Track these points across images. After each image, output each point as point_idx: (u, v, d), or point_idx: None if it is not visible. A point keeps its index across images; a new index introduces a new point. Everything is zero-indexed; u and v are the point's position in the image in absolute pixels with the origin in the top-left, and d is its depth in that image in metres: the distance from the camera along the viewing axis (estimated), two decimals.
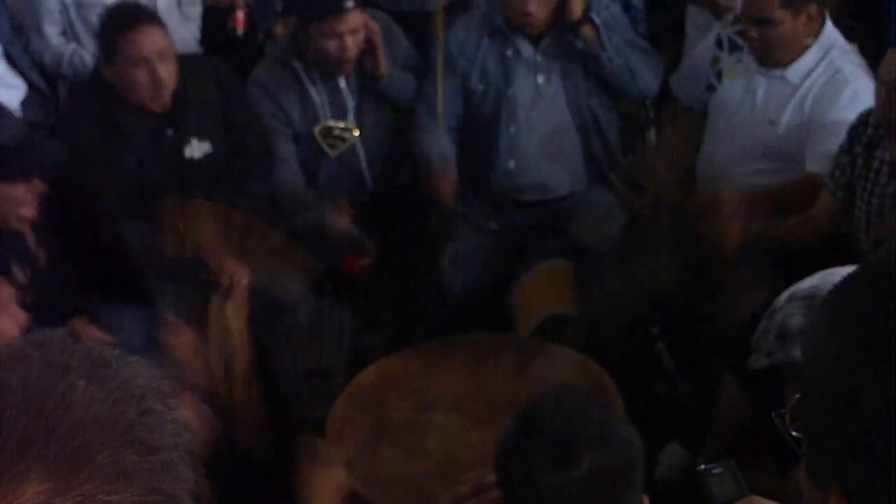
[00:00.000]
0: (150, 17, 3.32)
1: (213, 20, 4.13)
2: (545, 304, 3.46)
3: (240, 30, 4.25)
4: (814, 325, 0.95)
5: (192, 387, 2.73)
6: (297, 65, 3.65)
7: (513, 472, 1.85)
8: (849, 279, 0.94)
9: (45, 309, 2.88)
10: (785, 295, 2.64)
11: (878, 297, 0.89)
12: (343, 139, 3.72)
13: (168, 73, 3.25)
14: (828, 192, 3.24)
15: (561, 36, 3.62)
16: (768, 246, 3.22)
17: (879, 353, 0.85)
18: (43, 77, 3.89)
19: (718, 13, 3.91)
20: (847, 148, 3.17)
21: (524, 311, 3.48)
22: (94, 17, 3.82)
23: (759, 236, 3.25)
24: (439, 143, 3.71)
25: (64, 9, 3.85)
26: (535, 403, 1.87)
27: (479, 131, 3.76)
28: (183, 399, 2.48)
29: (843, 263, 2.50)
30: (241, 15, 4.24)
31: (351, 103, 3.70)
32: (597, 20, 3.56)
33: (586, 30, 3.56)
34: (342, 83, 3.68)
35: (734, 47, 3.59)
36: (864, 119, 3.15)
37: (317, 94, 3.66)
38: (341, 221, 3.58)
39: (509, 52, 3.68)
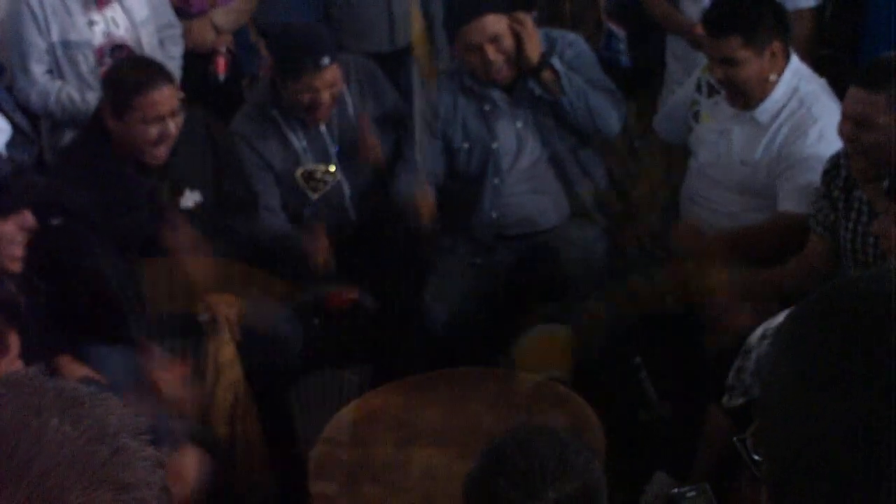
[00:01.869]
0: (165, 74, 3.33)
1: (194, 65, 4.13)
2: (543, 366, 3.45)
3: (221, 75, 4.25)
4: (770, 352, 0.97)
5: (190, 435, 2.71)
6: (275, 113, 3.67)
7: None
8: (803, 306, 0.95)
9: (25, 354, 2.86)
10: (757, 333, 2.66)
11: (830, 324, 0.90)
12: (324, 182, 3.74)
13: (177, 127, 3.28)
14: (814, 237, 3.26)
15: (526, 81, 3.65)
16: (766, 295, 3.22)
17: (831, 379, 0.86)
18: (27, 118, 3.89)
19: (697, 44, 3.94)
20: (825, 192, 3.19)
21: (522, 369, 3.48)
22: (80, 58, 3.84)
23: (755, 287, 3.26)
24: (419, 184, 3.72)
25: (50, 48, 3.85)
26: (500, 442, 2.02)
27: (464, 185, 3.78)
28: (184, 450, 2.48)
29: None
30: (221, 60, 4.24)
31: (333, 148, 3.72)
32: (557, 65, 3.58)
33: (546, 75, 3.58)
34: (323, 128, 3.70)
35: (712, 91, 3.61)
36: (835, 162, 3.17)
37: (297, 141, 3.69)
38: (319, 250, 3.58)
39: (487, 107, 3.70)
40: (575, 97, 3.59)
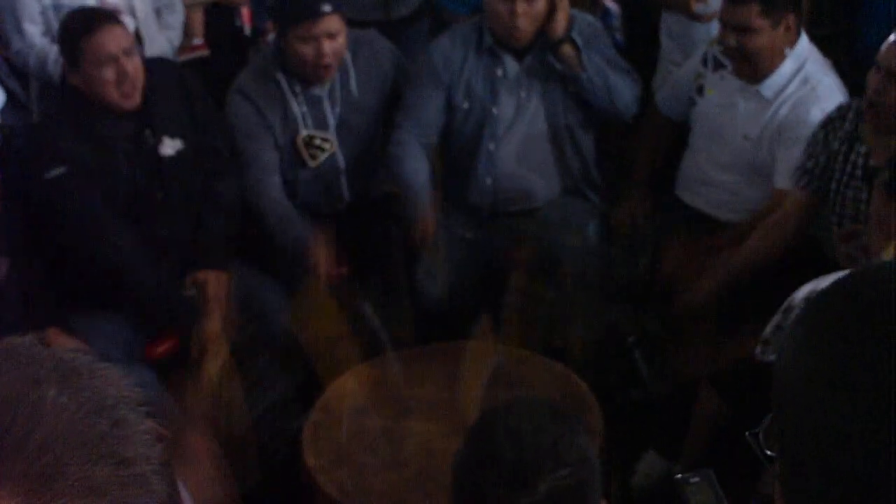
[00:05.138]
0: (110, 16, 3.33)
1: (219, 18, 4.13)
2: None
3: (247, 27, 4.27)
4: (787, 343, 0.94)
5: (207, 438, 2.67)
6: (280, 77, 3.62)
7: (468, 498, 1.86)
8: (822, 297, 0.92)
9: (6, 323, 2.84)
10: (803, 291, 2.63)
11: (850, 319, 0.87)
12: (322, 149, 3.70)
13: (135, 67, 3.26)
14: (797, 189, 3.25)
15: (543, 52, 3.62)
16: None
17: (850, 376, 0.84)
18: (20, 84, 3.87)
19: (694, 17, 3.94)
20: (822, 140, 3.18)
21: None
22: None
23: (739, 266, 3.26)
24: (417, 168, 3.69)
25: (43, 10, 3.83)
26: (487, 428, 1.88)
27: (460, 147, 3.75)
28: (206, 460, 2.43)
29: (813, 272, 2.52)
30: (246, 12, 4.27)
31: (332, 115, 3.69)
32: (578, 41, 3.56)
33: (567, 49, 3.56)
34: (323, 95, 3.66)
35: (718, 66, 3.60)
36: (842, 113, 3.16)
37: (297, 106, 3.65)
38: (319, 252, 3.54)
39: (499, 72, 3.67)
40: (594, 74, 3.58)
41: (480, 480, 1.83)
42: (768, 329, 2.70)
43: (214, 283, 3.39)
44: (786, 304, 2.67)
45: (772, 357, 2.67)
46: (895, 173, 2.60)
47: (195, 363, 3.29)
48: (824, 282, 2.58)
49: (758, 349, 2.72)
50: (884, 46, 2.95)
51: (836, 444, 0.83)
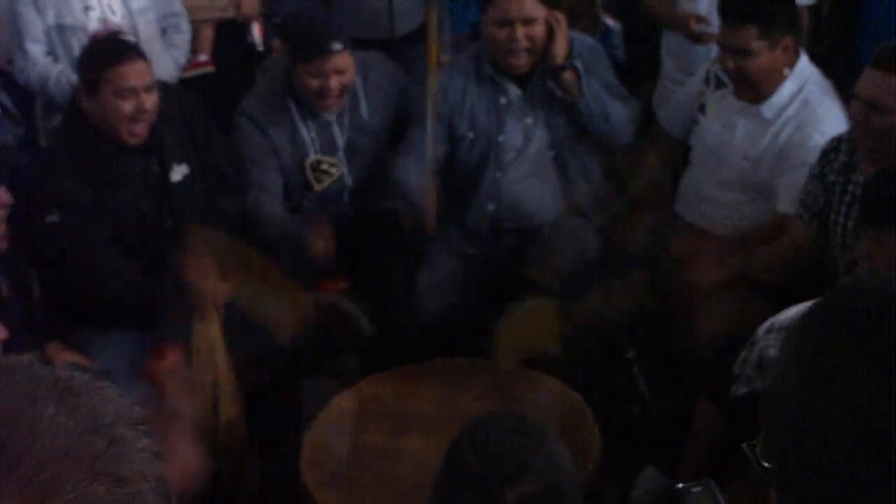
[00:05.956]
0: (137, 50, 3.33)
1: (232, 34, 4.13)
2: (532, 339, 3.43)
3: (259, 41, 4.28)
4: (778, 358, 0.96)
5: (185, 427, 2.67)
6: (289, 102, 3.64)
7: None
8: (810, 312, 0.94)
9: (10, 338, 2.85)
10: (765, 326, 2.66)
11: (836, 328, 0.89)
12: (329, 174, 3.72)
13: (152, 104, 3.27)
14: (798, 221, 3.25)
15: (545, 78, 3.62)
16: (745, 283, 3.22)
17: (838, 382, 0.85)
18: (12, 100, 3.89)
19: (694, 39, 3.94)
20: (819, 174, 3.18)
21: (507, 345, 3.45)
22: (74, 42, 3.83)
23: (734, 276, 3.25)
24: (420, 181, 3.69)
25: (47, 30, 3.85)
26: (455, 446, 1.94)
27: (463, 176, 3.75)
28: (179, 441, 2.44)
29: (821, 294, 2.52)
30: (259, 27, 4.28)
31: (341, 140, 3.70)
32: (579, 66, 3.56)
33: (568, 75, 3.56)
34: (332, 119, 3.68)
35: (720, 84, 3.60)
36: (836, 145, 3.16)
37: (306, 131, 3.66)
38: (320, 239, 3.56)
39: (503, 100, 3.67)
40: (592, 101, 3.57)
41: (452, 496, 1.88)
42: (737, 365, 2.72)
43: (212, 285, 3.39)
44: (751, 339, 2.68)
45: (742, 391, 2.69)
46: (872, 199, 2.62)
47: (194, 373, 3.30)
48: (783, 315, 2.59)
49: (734, 386, 2.74)
50: (861, 78, 2.95)
51: (831, 444, 0.84)
